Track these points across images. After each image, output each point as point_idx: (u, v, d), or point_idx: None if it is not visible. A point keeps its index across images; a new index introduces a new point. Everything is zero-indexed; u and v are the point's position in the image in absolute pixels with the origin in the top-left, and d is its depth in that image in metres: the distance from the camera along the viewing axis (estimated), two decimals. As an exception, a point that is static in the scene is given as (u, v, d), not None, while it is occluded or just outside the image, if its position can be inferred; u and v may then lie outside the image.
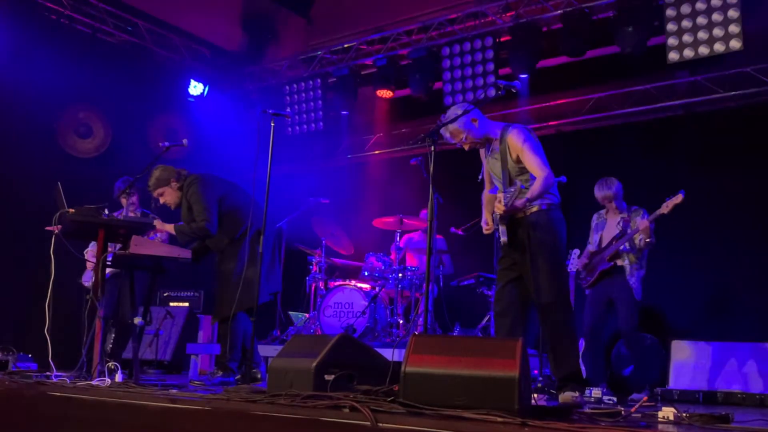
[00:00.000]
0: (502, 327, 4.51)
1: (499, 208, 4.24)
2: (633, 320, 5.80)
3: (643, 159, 7.69)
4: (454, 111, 4.47)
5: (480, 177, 4.79)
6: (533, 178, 4.37)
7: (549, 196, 4.41)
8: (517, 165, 4.40)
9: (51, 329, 5.00)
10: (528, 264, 4.38)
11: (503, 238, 4.39)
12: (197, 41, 9.56)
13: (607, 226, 6.01)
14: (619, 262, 5.86)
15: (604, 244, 5.95)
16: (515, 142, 4.37)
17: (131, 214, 5.60)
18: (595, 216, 6.18)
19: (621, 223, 5.87)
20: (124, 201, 6.00)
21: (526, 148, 4.35)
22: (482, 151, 4.67)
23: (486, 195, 4.76)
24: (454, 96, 7.96)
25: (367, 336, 6.87)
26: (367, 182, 8.77)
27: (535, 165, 4.33)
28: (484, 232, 4.68)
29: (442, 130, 4.44)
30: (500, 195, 4.27)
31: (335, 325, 7.01)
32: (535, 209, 4.37)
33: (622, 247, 5.82)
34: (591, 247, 6.07)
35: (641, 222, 5.70)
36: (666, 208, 5.63)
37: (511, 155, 4.39)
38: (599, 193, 5.97)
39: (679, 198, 5.57)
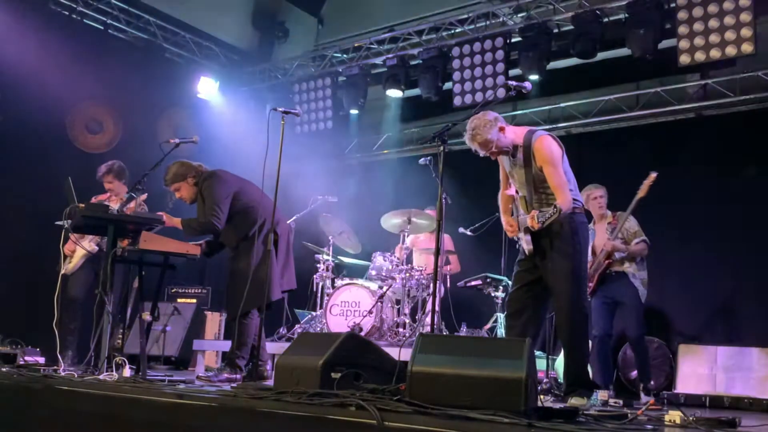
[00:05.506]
0: (513, 328, 4.50)
1: (534, 225, 4.21)
2: (640, 325, 5.80)
3: (653, 161, 7.66)
4: (478, 120, 4.36)
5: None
6: None
7: (573, 200, 4.40)
8: (541, 173, 4.37)
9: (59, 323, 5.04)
10: (549, 268, 4.37)
11: (528, 247, 4.38)
12: (208, 39, 9.59)
13: (597, 236, 6.00)
14: (619, 268, 5.86)
15: (598, 252, 5.95)
16: (541, 153, 4.34)
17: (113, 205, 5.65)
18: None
19: (609, 227, 5.89)
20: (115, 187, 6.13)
21: (549, 163, 4.32)
22: (501, 157, 4.63)
23: (503, 195, 4.72)
24: (464, 96, 7.95)
25: (374, 335, 6.87)
26: (375, 181, 8.77)
27: (556, 185, 4.31)
28: (510, 235, 4.62)
29: (469, 142, 4.38)
30: (534, 213, 4.22)
31: (342, 324, 7.01)
32: None
33: (617, 254, 5.82)
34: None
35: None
36: (642, 191, 5.67)
37: (536, 163, 4.36)
38: (597, 192, 5.98)
39: (651, 177, 5.65)
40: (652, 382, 5.97)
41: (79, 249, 6.12)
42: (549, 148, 4.35)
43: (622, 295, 5.84)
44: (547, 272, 4.40)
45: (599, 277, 5.90)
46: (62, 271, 5.97)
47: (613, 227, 5.88)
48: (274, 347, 6.65)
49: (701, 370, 6.17)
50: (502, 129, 4.38)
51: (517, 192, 4.58)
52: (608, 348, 5.93)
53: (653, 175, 5.67)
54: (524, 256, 4.53)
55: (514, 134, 4.47)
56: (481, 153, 4.45)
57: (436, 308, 5.64)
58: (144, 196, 6.05)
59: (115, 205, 5.17)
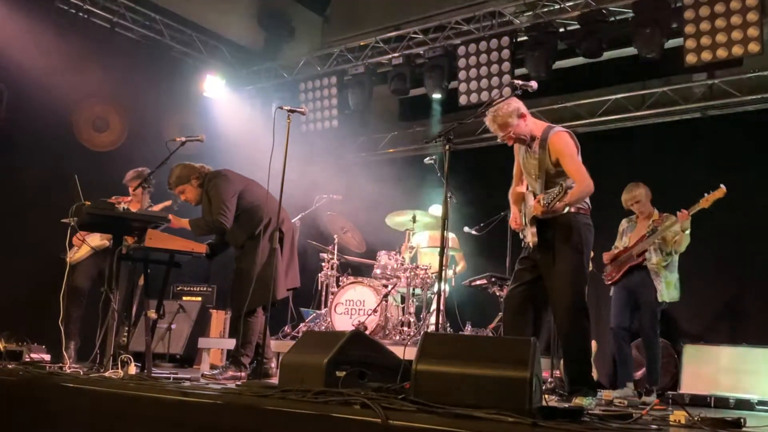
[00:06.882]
0: (512, 326, 4.52)
1: (538, 209, 4.24)
2: (653, 325, 5.79)
3: (659, 161, 7.66)
4: (502, 103, 4.46)
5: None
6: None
7: (582, 201, 4.42)
8: (555, 168, 4.40)
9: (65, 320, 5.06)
10: (550, 265, 4.38)
11: (534, 239, 4.39)
12: (214, 37, 9.61)
13: (636, 229, 6.01)
14: (645, 262, 5.84)
15: (631, 244, 5.94)
16: (557, 145, 4.38)
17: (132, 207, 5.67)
18: (624, 221, 6.17)
19: (652, 225, 5.87)
20: (139, 192, 6.11)
21: (567, 154, 4.36)
22: (518, 147, 4.67)
23: (514, 190, 4.76)
24: (470, 95, 7.95)
25: (378, 334, 6.88)
26: (380, 180, 8.77)
27: (575, 173, 4.34)
28: (513, 228, 4.69)
29: (489, 123, 4.46)
30: (540, 196, 4.26)
31: (346, 323, 7.02)
32: (566, 212, 4.36)
33: (651, 248, 5.82)
34: (616, 251, 6.05)
35: (681, 213, 5.60)
36: (706, 202, 5.58)
37: (550, 157, 4.40)
38: (625, 195, 5.99)
39: (720, 192, 5.52)
40: (655, 386, 5.95)
41: (87, 241, 6.16)
42: (565, 141, 4.41)
43: (641, 291, 5.84)
44: (548, 270, 4.40)
45: (627, 270, 5.89)
46: (68, 260, 6.00)
47: (656, 226, 5.84)
48: (278, 345, 6.66)
49: (706, 370, 6.16)
50: (522, 116, 4.47)
51: (527, 188, 4.60)
52: (625, 342, 5.90)
53: (722, 188, 5.55)
54: (526, 254, 4.56)
55: (534, 125, 4.54)
56: (499, 137, 4.51)
57: (441, 307, 5.64)
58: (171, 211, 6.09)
59: (134, 209, 5.19)
